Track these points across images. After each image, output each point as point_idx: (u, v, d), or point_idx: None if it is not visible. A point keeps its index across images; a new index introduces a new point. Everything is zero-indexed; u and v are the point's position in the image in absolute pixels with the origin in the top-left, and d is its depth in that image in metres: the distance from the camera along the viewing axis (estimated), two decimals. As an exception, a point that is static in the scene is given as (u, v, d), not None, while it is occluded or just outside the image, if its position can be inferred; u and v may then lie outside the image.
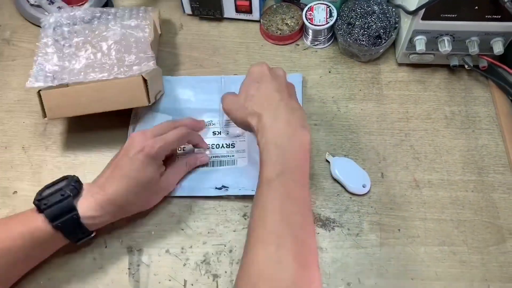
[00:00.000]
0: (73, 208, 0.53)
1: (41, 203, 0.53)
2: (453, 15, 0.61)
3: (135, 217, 0.62)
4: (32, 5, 0.78)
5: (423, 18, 0.62)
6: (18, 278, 0.57)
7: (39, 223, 0.52)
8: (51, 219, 0.52)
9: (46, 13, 0.77)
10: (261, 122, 0.53)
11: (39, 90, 0.65)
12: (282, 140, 0.52)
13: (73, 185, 0.55)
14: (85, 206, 0.54)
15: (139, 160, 0.55)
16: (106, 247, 0.61)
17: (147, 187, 0.57)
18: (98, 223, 0.56)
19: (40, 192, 0.54)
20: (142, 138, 0.57)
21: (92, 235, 0.57)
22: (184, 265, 0.59)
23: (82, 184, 0.56)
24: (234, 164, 0.66)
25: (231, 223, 0.62)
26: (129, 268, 0.59)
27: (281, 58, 0.75)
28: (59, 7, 0.77)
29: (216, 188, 0.63)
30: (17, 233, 0.52)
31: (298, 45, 0.76)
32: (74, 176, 0.57)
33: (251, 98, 0.56)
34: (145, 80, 0.65)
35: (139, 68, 0.66)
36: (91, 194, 0.55)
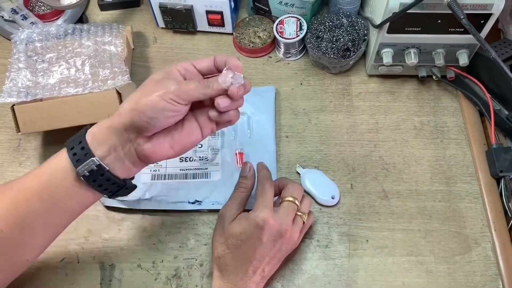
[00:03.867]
0: (83, 136, 0.48)
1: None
2: (418, 29, 0.63)
3: (106, 231, 0.63)
4: (6, 20, 0.79)
5: (389, 32, 0.64)
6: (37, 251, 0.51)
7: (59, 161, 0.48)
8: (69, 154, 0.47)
9: (20, 28, 0.77)
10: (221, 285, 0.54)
11: (13, 105, 0.66)
12: None
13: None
14: (93, 132, 0.48)
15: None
16: (78, 262, 0.61)
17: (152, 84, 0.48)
18: (108, 152, 0.47)
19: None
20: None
21: (95, 159, 0.46)
22: (156, 279, 0.60)
23: None
24: (207, 177, 0.67)
25: (202, 236, 0.62)
26: (101, 283, 0.60)
27: (254, 71, 0.76)
28: (32, 23, 0.77)
29: (189, 202, 0.64)
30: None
31: (270, 57, 0.77)
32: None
33: (230, 250, 0.54)
34: (119, 94, 0.66)
35: (113, 82, 0.67)
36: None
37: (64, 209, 0.49)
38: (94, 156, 0.46)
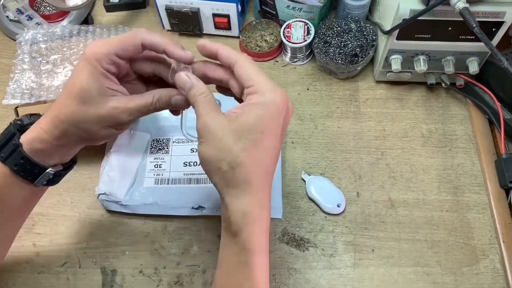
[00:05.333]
0: (14, 134, 0.46)
1: None
2: (428, 36, 0.62)
3: (108, 236, 0.62)
4: (11, 20, 0.78)
5: (398, 38, 0.63)
6: None
7: None
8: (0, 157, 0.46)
9: (25, 28, 0.76)
10: (248, 207, 0.41)
11: (17, 107, 0.65)
12: (266, 235, 0.43)
13: (18, 122, 0.48)
14: (28, 132, 0.46)
15: (77, 66, 0.44)
16: (80, 267, 0.61)
17: (82, 98, 0.43)
18: (46, 150, 0.46)
19: None
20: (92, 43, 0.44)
21: (49, 171, 0.47)
22: (157, 286, 0.59)
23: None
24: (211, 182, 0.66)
25: (206, 243, 0.62)
26: (102, 289, 0.59)
27: (260, 75, 0.75)
28: (38, 23, 0.76)
29: (193, 208, 0.63)
30: None
31: (277, 61, 0.76)
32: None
33: (249, 150, 0.40)
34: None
35: (117, 85, 0.66)
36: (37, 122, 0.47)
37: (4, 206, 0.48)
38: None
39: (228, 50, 0.43)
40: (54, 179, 0.49)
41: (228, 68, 0.44)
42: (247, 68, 0.42)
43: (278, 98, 0.41)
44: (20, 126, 0.47)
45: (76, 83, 0.43)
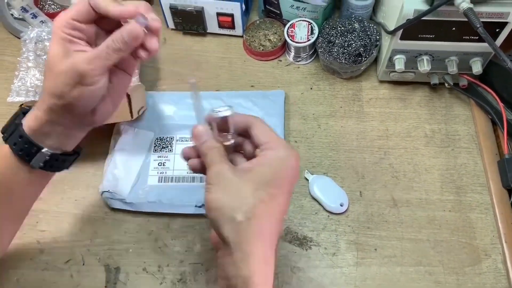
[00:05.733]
0: (17, 116, 0.48)
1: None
2: (431, 36, 0.62)
3: (112, 234, 0.63)
4: (16, 18, 0.79)
5: (402, 38, 0.63)
6: None
7: None
8: (4, 137, 0.48)
9: (29, 26, 0.77)
10: (253, 262, 0.38)
11: (21, 104, 0.65)
12: None
13: (27, 107, 0.49)
14: (29, 113, 0.48)
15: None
16: (83, 264, 0.61)
17: (51, 64, 0.44)
18: (41, 128, 0.47)
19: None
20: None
21: (45, 151, 0.47)
22: (161, 284, 0.59)
23: None
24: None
25: (209, 241, 0.62)
26: (106, 286, 0.59)
27: (263, 74, 0.75)
28: (42, 21, 0.77)
29: (196, 206, 0.63)
30: None
31: (280, 61, 0.76)
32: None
33: (266, 203, 0.39)
34: (128, 95, 0.65)
35: (121, 83, 0.66)
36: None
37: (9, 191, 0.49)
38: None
39: (242, 115, 0.45)
40: (52, 163, 0.49)
41: (243, 130, 0.45)
42: (264, 128, 0.43)
43: (293, 156, 0.42)
44: (27, 110, 0.48)
45: (48, 55, 0.44)
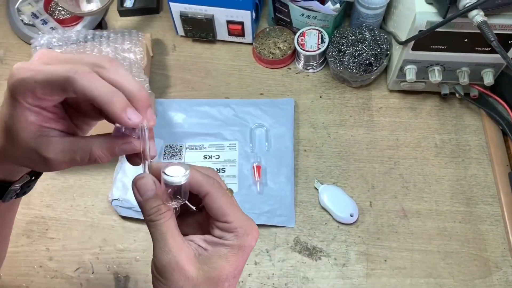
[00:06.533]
0: None
1: None
2: (443, 47, 0.61)
3: (121, 242, 0.63)
4: (26, 24, 0.79)
5: (413, 49, 0.62)
6: None
7: None
8: None
9: (39, 32, 0.77)
10: None
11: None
12: None
13: None
14: None
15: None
16: (93, 272, 0.61)
17: (16, 137, 0.35)
18: None
19: None
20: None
21: (15, 188, 0.41)
22: (170, 293, 0.59)
23: None
24: None
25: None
26: (115, 295, 0.59)
27: (273, 82, 0.75)
28: (52, 28, 0.77)
29: (204, 214, 0.63)
30: None
31: (290, 69, 0.76)
32: None
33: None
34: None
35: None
36: None
37: None
38: None
39: (199, 179, 0.36)
40: (25, 190, 0.43)
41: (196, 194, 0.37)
42: (222, 201, 0.36)
43: (254, 239, 0.37)
44: None
45: (6, 116, 0.34)
